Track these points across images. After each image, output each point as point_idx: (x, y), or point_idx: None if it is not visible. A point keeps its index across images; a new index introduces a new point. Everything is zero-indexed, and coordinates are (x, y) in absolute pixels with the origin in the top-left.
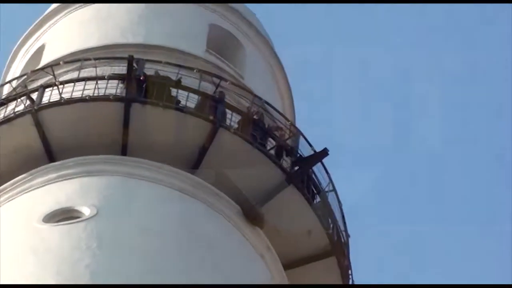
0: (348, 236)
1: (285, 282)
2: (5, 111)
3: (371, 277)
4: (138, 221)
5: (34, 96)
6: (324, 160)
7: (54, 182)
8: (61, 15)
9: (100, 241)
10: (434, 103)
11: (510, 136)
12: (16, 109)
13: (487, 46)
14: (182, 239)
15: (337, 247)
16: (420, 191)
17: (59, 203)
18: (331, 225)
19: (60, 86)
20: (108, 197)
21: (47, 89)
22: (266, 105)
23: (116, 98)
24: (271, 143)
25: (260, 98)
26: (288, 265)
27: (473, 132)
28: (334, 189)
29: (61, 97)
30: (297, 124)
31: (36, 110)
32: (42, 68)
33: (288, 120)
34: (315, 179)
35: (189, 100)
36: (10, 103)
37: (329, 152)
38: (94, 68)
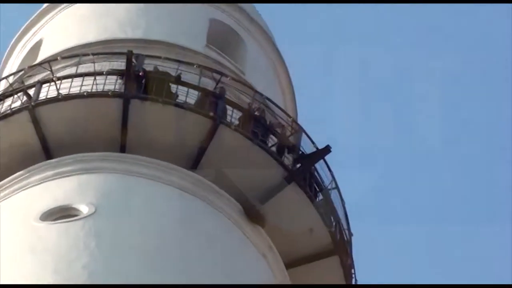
0: (351, 234)
1: (287, 281)
2: (2, 107)
3: (371, 277)
4: (137, 219)
5: (31, 92)
6: (326, 158)
7: (51, 180)
8: (59, 9)
9: (98, 240)
10: (434, 103)
11: (510, 136)
12: (13, 105)
13: (487, 46)
14: (182, 237)
15: (340, 246)
16: (420, 191)
17: (56, 201)
18: (334, 223)
19: (58, 82)
20: (107, 195)
21: (44, 85)
22: (267, 101)
23: (114, 94)
24: (272, 140)
25: (261, 94)
26: (290, 264)
27: (473, 132)
28: (336, 187)
29: (58, 93)
30: (299, 122)
31: (33, 106)
32: (40, 64)
33: (290, 117)
34: (318, 177)
35: (189, 96)
36: (6, 99)
37: (331, 149)
38: (93, 64)
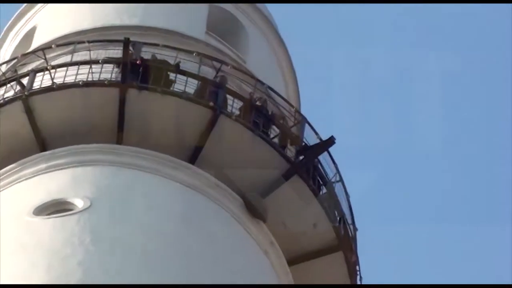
0: (356, 229)
1: (290, 278)
2: None
3: (374, 274)
4: (135, 214)
5: (25, 81)
6: (330, 149)
7: (45, 173)
8: None
9: (94, 236)
10: (434, 103)
11: (510, 136)
12: (6, 95)
13: (487, 46)
14: (182, 234)
15: (345, 242)
16: (419, 191)
17: (50, 195)
18: (338, 218)
19: (52, 71)
20: (103, 189)
21: (38, 74)
22: (269, 90)
23: (111, 84)
24: (274, 131)
25: (263, 83)
26: (292, 261)
27: (473, 131)
28: (341, 180)
29: (53, 82)
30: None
31: (26, 96)
32: (33, 52)
33: (293, 107)
34: (321, 169)
35: (188, 86)
36: None
37: (335, 141)
38: (88, 52)
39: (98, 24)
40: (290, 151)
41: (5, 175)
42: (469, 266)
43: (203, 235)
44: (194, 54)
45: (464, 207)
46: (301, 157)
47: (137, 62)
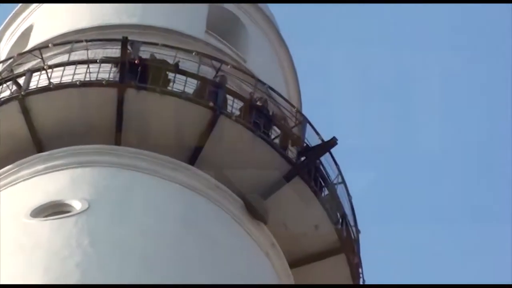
0: (358, 231)
1: (291, 280)
2: None
3: (374, 276)
4: (134, 216)
5: (21, 81)
6: (332, 150)
7: (42, 174)
8: None
9: (92, 238)
10: (434, 103)
11: (510, 136)
12: (2, 95)
13: (487, 46)
14: (182, 236)
15: (347, 244)
16: (420, 191)
17: (48, 197)
18: (340, 220)
19: (49, 70)
20: (101, 190)
21: (34, 74)
22: (270, 90)
23: (109, 83)
24: (275, 131)
25: (263, 83)
26: (294, 263)
27: (473, 132)
28: (343, 181)
29: (50, 82)
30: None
31: (23, 96)
32: (30, 51)
33: (294, 107)
34: (323, 170)
35: (188, 85)
36: None
37: (338, 142)
38: (86, 51)
39: (96, 23)
40: (291, 152)
41: (2, 176)
42: (469, 266)
43: (203, 237)
44: (194, 54)
45: (464, 207)
46: (302, 158)
47: (136, 61)
